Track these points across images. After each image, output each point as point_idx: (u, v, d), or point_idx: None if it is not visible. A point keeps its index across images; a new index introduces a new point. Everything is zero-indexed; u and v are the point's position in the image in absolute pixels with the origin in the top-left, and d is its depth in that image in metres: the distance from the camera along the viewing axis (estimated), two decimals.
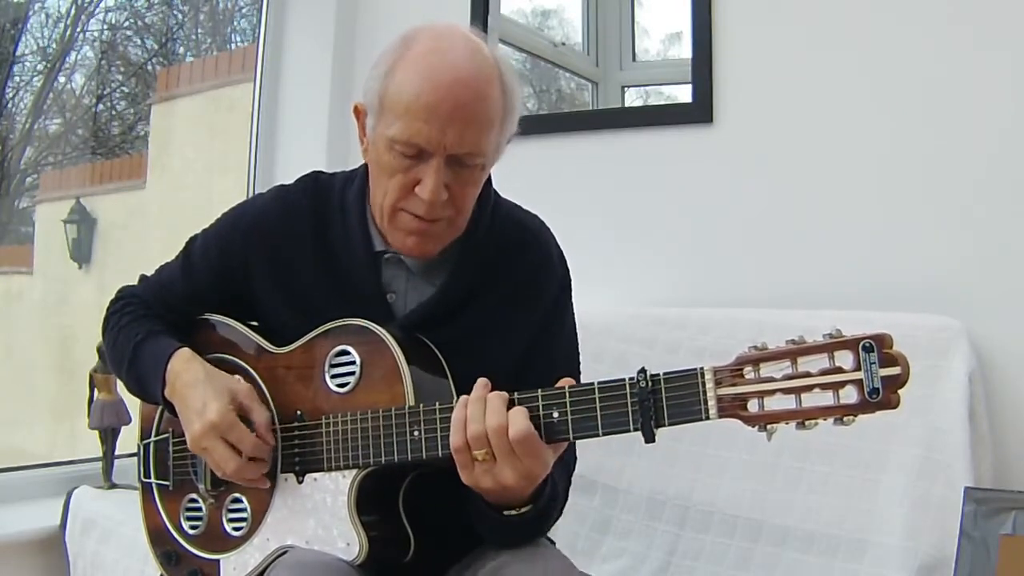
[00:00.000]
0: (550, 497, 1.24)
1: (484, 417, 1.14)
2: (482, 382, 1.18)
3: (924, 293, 1.85)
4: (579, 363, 1.44)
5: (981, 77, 1.86)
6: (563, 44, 2.70)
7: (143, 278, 1.53)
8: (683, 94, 2.29)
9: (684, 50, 2.25)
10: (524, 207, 1.45)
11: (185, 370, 1.34)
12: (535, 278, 1.39)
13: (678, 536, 1.84)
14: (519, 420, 1.12)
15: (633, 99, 2.63)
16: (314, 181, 1.43)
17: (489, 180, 1.37)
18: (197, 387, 1.31)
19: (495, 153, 1.30)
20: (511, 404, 1.15)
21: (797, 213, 2.05)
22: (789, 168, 2.06)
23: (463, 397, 1.17)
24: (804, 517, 1.73)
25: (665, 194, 2.22)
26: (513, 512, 1.21)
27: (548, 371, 1.24)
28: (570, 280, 1.44)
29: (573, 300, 1.45)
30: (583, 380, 1.18)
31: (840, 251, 1.99)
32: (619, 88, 2.62)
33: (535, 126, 2.40)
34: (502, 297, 1.36)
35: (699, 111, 2.17)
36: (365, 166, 1.39)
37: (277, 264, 1.38)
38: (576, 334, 1.45)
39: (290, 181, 1.45)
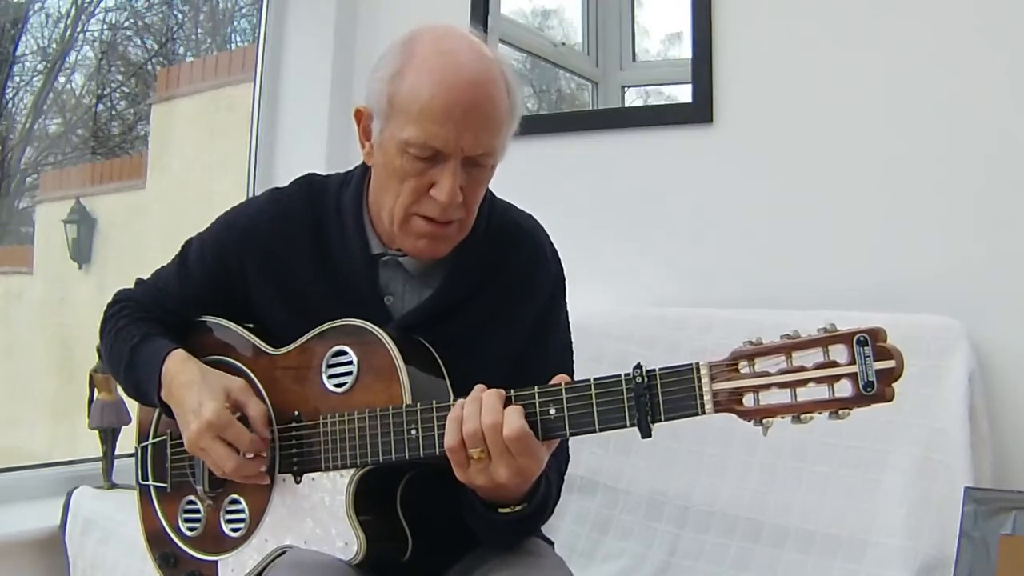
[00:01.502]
0: (544, 495, 1.24)
1: (480, 415, 1.13)
2: (480, 385, 1.17)
3: (924, 293, 1.85)
4: (573, 360, 1.44)
5: (982, 77, 1.86)
6: (563, 44, 2.70)
7: (139, 281, 1.53)
8: (683, 94, 2.29)
9: (684, 50, 2.25)
10: (518, 207, 1.45)
11: (180, 371, 1.34)
12: (530, 277, 1.39)
13: (678, 536, 1.84)
14: (514, 419, 1.12)
15: (633, 99, 2.63)
16: (308, 184, 1.43)
17: None
18: (192, 387, 1.31)
19: (502, 153, 1.30)
20: (508, 402, 1.15)
21: (797, 213, 2.05)
22: (789, 168, 2.06)
23: (461, 399, 1.17)
24: (804, 517, 1.72)
25: (665, 194, 2.22)
26: (507, 510, 1.21)
27: (542, 368, 1.24)
28: (564, 278, 1.44)
29: (567, 299, 1.45)
30: (579, 378, 1.18)
31: (840, 251, 1.99)
32: (619, 88, 2.62)
33: (535, 126, 2.37)
34: (498, 296, 1.36)
35: (699, 111, 2.17)
36: (360, 168, 1.39)
37: (273, 266, 1.38)
38: (570, 332, 1.45)
39: (284, 184, 1.45)
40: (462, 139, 1.22)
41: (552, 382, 1.16)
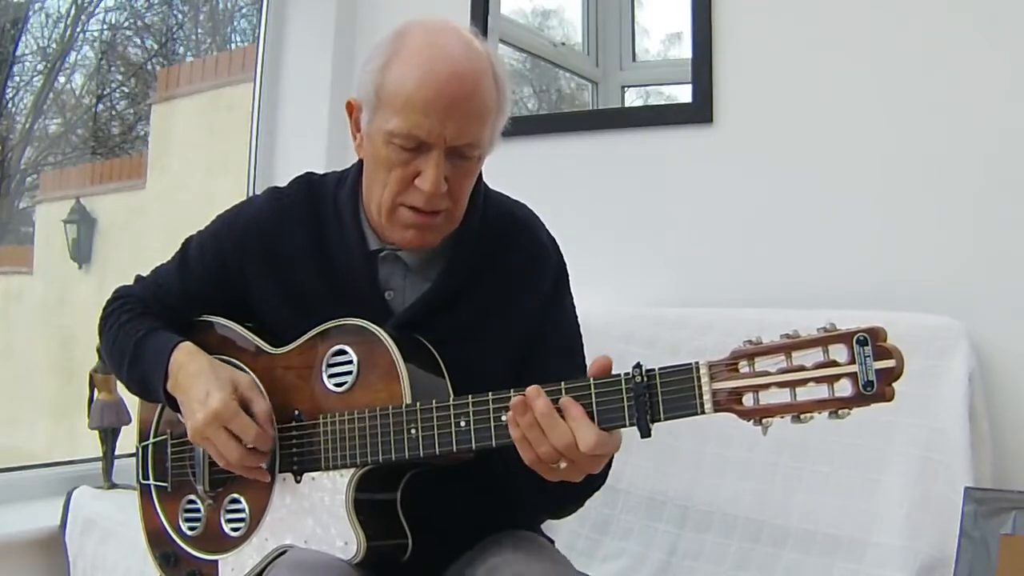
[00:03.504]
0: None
1: (547, 439, 1.11)
2: (519, 399, 1.13)
3: (924, 293, 1.85)
4: (583, 345, 1.43)
5: (982, 77, 1.86)
6: (563, 44, 2.70)
7: (139, 279, 1.53)
8: (683, 94, 2.29)
9: (684, 50, 2.25)
10: (512, 197, 1.46)
11: (189, 361, 1.34)
12: (531, 266, 1.39)
13: (678, 536, 1.84)
14: (588, 434, 1.10)
15: (633, 99, 2.63)
16: (307, 182, 1.43)
17: (479, 173, 1.37)
18: (200, 377, 1.31)
19: (490, 145, 1.31)
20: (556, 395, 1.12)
21: (797, 213, 2.05)
22: (789, 168, 2.06)
23: (510, 415, 1.13)
24: (804, 517, 1.72)
25: (665, 194, 2.21)
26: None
27: (557, 353, 1.24)
28: (565, 264, 1.44)
29: (571, 285, 1.45)
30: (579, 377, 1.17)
31: (840, 251, 1.99)
32: (619, 88, 2.62)
33: (535, 126, 2.40)
34: (498, 287, 1.36)
35: (699, 111, 2.16)
36: (356, 165, 1.40)
37: (273, 265, 1.39)
38: (577, 317, 1.45)
39: (284, 183, 1.46)
40: (445, 129, 1.22)
41: (588, 373, 1.14)
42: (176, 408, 1.36)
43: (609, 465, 1.26)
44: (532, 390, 1.13)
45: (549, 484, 1.19)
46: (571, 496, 1.31)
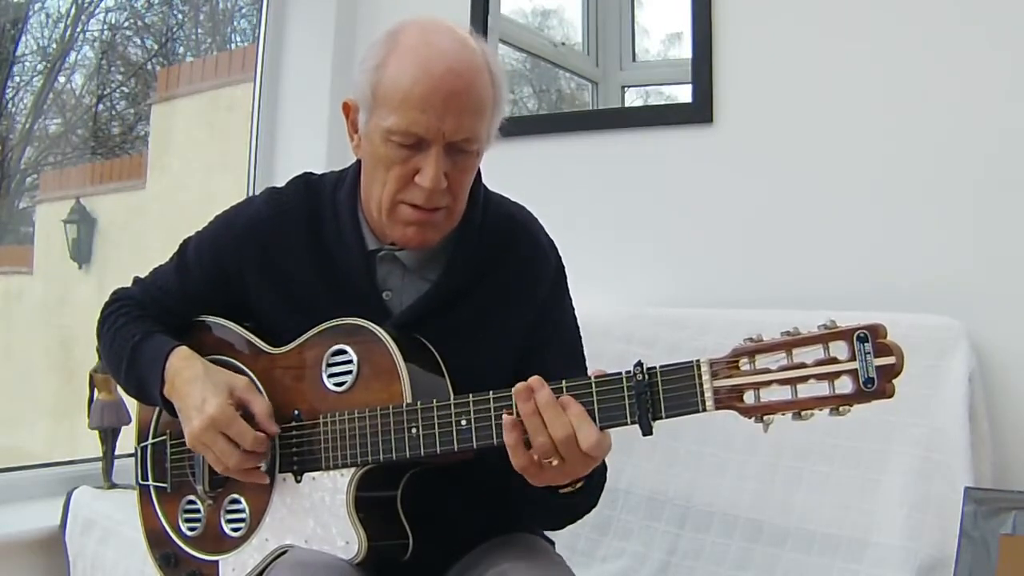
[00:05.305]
0: (601, 468, 1.23)
1: (547, 429, 1.11)
2: (522, 385, 1.14)
3: (924, 293, 1.85)
4: (582, 346, 1.44)
5: (982, 77, 1.86)
6: (563, 44, 2.70)
7: (137, 280, 1.53)
8: (683, 94, 2.29)
9: (684, 50, 2.25)
10: (511, 199, 1.46)
11: (184, 367, 1.34)
12: (530, 268, 1.39)
13: (678, 536, 1.84)
14: (589, 431, 1.10)
15: (633, 99, 2.63)
16: (305, 183, 1.44)
17: (479, 175, 1.37)
18: (196, 383, 1.31)
19: (488, 141, 1.31)
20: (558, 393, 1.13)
21: (797, 213, 2.05)
22: (789, 168, 2.06)
23: (508, 418, 1.14)
24: (804, 517, 1.72)
25: (665, 194, 2.22)
26: (569, 489, 1.19)
27: (558, 353, 1.24)
28: (563, 266, 1.44)
29: (570, 286, 1.45)
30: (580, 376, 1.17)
31: (840, 251, 1.99)
32: (619, 88, 2.62)
33: (535, 126, 2.40)
34: (497, 288, 1.37)
35: (699, 111, 2.17)
36: (354, 165, 1.40)
37: (272, 266, 1.39)
38: (576, 318, 1.45)
39: (283, 183, 1.46)
40: (443, 124, 1.23)
41: (591, 373, 1.14)
42: (174, 413, 1.36)
43: (602, 486, 1.27)
44: (536, 380, 1.13)
45: (536, 494, 1.19)
46: (559, 511, 1.29)
